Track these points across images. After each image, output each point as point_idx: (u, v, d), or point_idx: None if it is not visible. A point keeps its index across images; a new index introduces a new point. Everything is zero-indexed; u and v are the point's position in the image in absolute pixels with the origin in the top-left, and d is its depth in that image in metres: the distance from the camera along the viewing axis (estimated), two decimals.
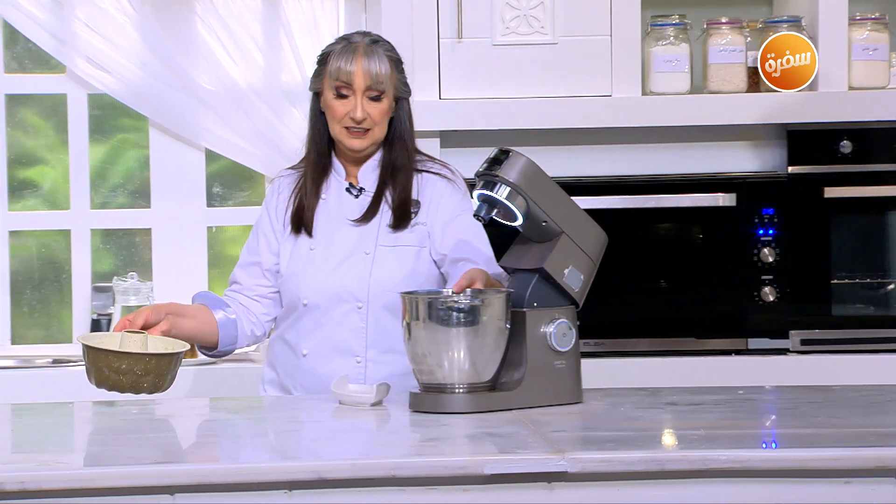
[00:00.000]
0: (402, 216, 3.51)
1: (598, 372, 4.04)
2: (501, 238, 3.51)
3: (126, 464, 2.74)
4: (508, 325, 3.18)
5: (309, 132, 3.57)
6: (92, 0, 4.55)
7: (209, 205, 4.80)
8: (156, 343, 3.27)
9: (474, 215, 3.29)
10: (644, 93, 4.52)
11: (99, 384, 3.21)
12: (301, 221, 3.53)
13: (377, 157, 3.56)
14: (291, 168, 3.64)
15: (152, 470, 2.65)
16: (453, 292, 3.17)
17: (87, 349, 3.21)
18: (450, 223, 3.53)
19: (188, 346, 3.33)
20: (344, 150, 3.53)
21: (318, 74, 3.53)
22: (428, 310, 3.14)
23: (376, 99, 3.48)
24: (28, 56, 4.69)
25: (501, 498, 2.68)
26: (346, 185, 3.56)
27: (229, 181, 4.83)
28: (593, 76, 4.46)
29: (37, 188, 4.76)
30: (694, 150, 4.61)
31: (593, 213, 3.36)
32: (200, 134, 4.68)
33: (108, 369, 3.18)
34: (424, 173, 3.57)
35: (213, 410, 3.31)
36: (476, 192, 3.28)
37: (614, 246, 3.46)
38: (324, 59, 3.52)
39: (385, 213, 3.53)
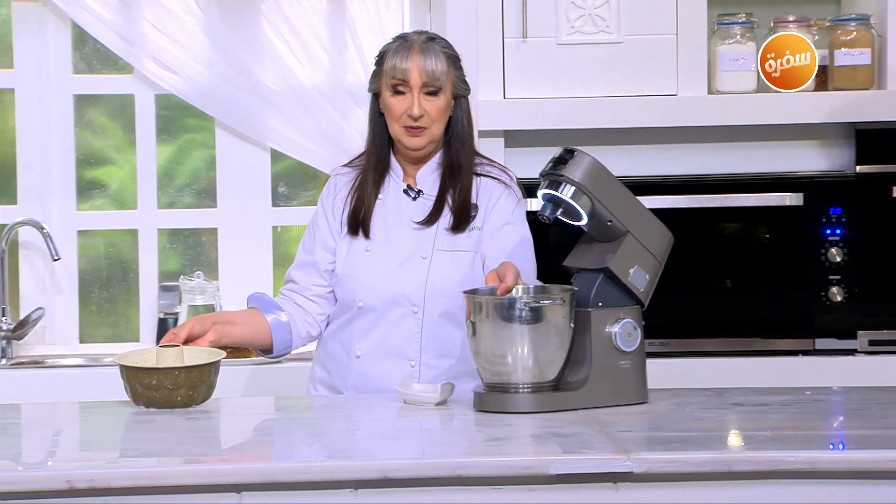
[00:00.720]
0: (462, 219, 3.50)
1: (664, 372, 4.02)
2: (566, 237, 3.50)
3: (194, 462, 2.76)
4: (573, 325, 3.18)
5: (369, 133, 3.57)
6: (159, 1, 4.58)
7: (274, 204, 4.82)
8: (193, 355, 3.28)
9: (539, 215, 3.28)
10: (710, 92, 4.49)
11: (136, 401, 3.23)
12: (358, 222, 3.53)
13: (436, 158, 3.55)
14: (347, 165, 3.63)
15: (220, 468, 2.67)
16: (487, 281, 3.16)
17: (121, 368, 3.23)
18: (498, 231, 3.52)
19: (223, 355, 3.32)
20: (403, 149, 3.52)
21: (376, 75, 3.53)
22: (493, 308, 3.14)
23: (433, 94, 3.46)
24: (96, 57, 4.73)
25: (567, 498, 2.68)
26: (404, 186, 3.55)
27: (294, 181, 4.85)
28: (659, 75, 4.44)
29: (105, 188, 4.79)
30: (760, 150, 4.58)
31: (659, 213, 3.34)
32: (266, 134, 4.70)
33: (140, 386, 3.20)
34: (483, 177, 3.55)
35: (277, 409, 3.32)
36: (541, 192, 3.27)
37: (680, 245, 3.45)
38: (381, 59, 3.52)
39: (445, 216, 3.52)
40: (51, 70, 4.68)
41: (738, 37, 4.49)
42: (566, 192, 3.23)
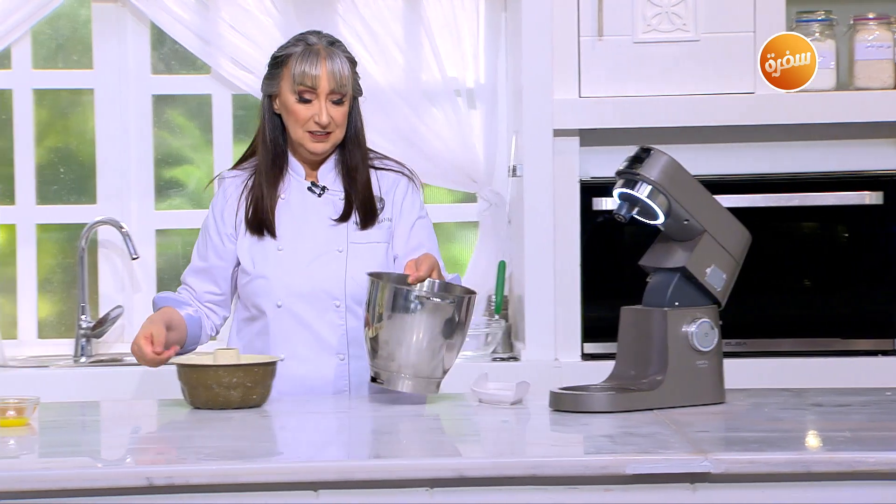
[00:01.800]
0: (370, 214, 3.52)
1: (741, 372, 4.00)
2: (641, 237, 3.49)
3: (271, 460, 2.77)
4: (465, 329, 3.25)
5: (261, 134, 3.54)
6: (236, 1, 4.61)
7: None
8: (248, 359, 3.31)
9: (614, 214, 3.27)
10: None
11: (194, 402, 3.26)
12: (261, 222, 3.50)
13: (334, 155, 3.56)
14: (234, 168, 3.60)
15: (297, 466, 2.68)
16: (406, 268, 3.26)
17: (178, 368, 3.26)
18: (411, 227, 3.56)
19: (281, 357, 3.35)
20: (304, 152, 3.52)
21: (274, 77, 3.50)
22: (389, 293, 3.21)
23: (339, 102, 3.48)
24: (174, 57, 4.76)
25: (643, 498, 2.66)
26: (308, 184, 3.54)
27: None
28: (736, 73, 4.41)
29: (182, 187, 4.83)
30: (839, 148, 4.53)
31: (736, 212, 3.32)
32: None
33: (200, 386, 3.22)
34: (382, 171, 3.58)
35: (348, 408, 3.33)
36: (616, 191, 3.26)
37: (758, 245, 3.43)
38: (282, 62, 3.49)
39: (353, 213, 3.53)
40: (130, 70, 4.72)
41: (816, 34, 4.45)
42: (642, 191, 3.21)
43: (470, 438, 3.05)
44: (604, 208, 4.40)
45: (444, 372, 3.26)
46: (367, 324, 3.26)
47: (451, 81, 4.68)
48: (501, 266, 4.64)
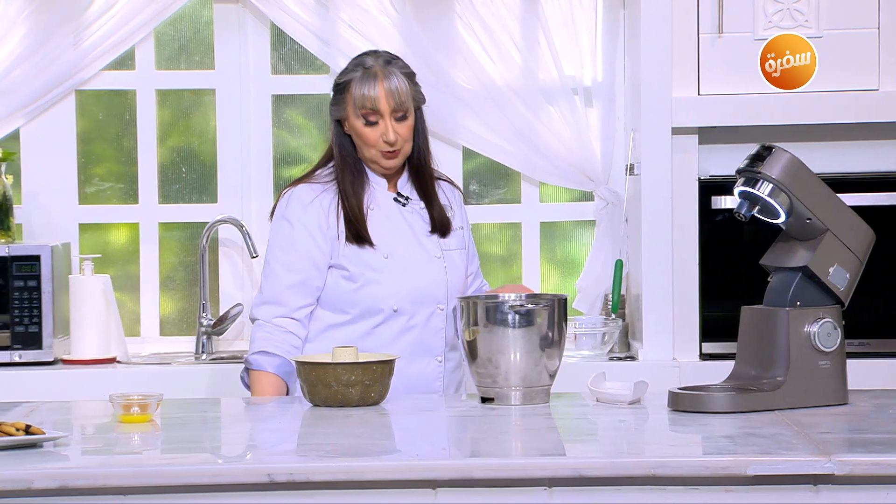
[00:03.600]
0: (447, 223, 3.68)
1: (864, 373, 3.94)
2: (761, 235, 3.45)
3: (390, 458, 2.79)
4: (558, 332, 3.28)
5: (336, 155, 3.64)
6: (355, 2, 4.63)
7: (465, 202, 4.82)
8: (366, 357, 3.34)
9: (735, 212, 3.25)
10: None
11: (313, 399, 3.27)
12: (359, 233, 3.59)
13: (407, 166, 3.68)
14: (305, 182, 3.65)
15: (416, 464, 2.69)
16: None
17: (298, 365, 3.28)
18: (469, 235, 3.77)
19: (398, 356, 3.39)
20: (378, 169, 3.64)
21: (340, 103, 3.62)
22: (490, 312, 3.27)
23: (402, 119, 3.58)
24: (294, 57, 4.81)
25: (765, 499, 2.64)
26: (393, 195, 3.66)
27: (486, 179, 4.86)
28: (859, 70, 4.35)
29: None
30: None
31: (860, 210, 3.28)
32: (458, 132, 4.72)
33: (319, 384, 3.24)
34: (440, 181, 3.74)
35: (464, 406, 3.34)
36: (737, 189, 3.24)
37: (882, 243, 3.38)
38: (344, 88, 3.60)
39: (430, 220, 3.67)
40: (250, 70, 4.77)
41: None
42: (763, 190, 3.19)
43: (588, 438, 3.04)
44: (723, 207, 4.37)
45: (551, 377, 3.26)
46: (464, 345, 3.28)
47: (568, 80, 4.67)
48: (618, 265, 4.61)
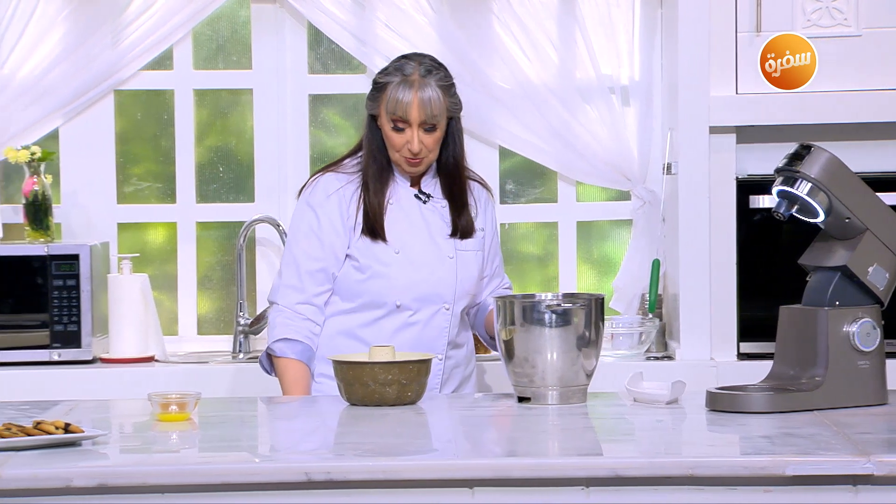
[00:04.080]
0: (470, 226, 3.68)
1: None
2: (800, 235, 3.44)
3: (427, 457, 2.79)
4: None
5: (365, 147, 3.67)
6: (392, 1, 4.64)
7: (502, 201, 4.84)
8: (403, 356, 3.34)
9: (773, 212, 3.24)
10: None
11: (350, 398, 3.28)
12: (375, 226, 3.62)
13: (434, 165, 3.69)
14: (332, 171, 3.69)
15: (453, 464, 2.69)
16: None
17: (334, 364, 3.28)
18: (494, 237, 3.77)
19: (436, 356, 3.39)
20: (401, 171, 3.67)
21: (375, 100, 3.65)
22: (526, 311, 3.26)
23: (430, 130, 3.60)
24: (331, 57, 4.81)
25: (803, 499, 2.63)
26: (415, 192, 3.68)
27: (522, 178, 4.86)
28: None
29: None
30: None
31: None
32: (494, 131, 4.72)
33: (356, 383, 3.24)
34: (470, 181, 3.74)
35: (501, 406, 3.33)
36: (776, 189, 3.23)
37: None
38: (381, 88, 3.63)
39: (451, 221, 3.68)
40: (287, 70, 4.78)
41: None
42: (802, 189, 3.17)
43: (625, 438, 3.04)
44: (761, 206, 4.35)
45: (588, 377, 3.26)
46: (501, 344, 3.27)
47: (605, 79, 4.66)
48: (655, 264, 4.60)
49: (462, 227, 3.68)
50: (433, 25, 4.64)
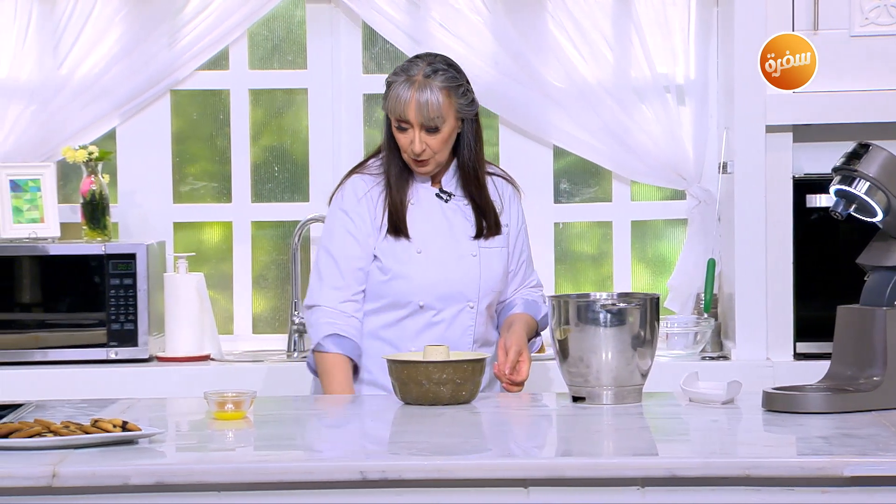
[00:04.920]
0: (495, 225, 3.68)
1: None
2: (857, 234, 3.41)
3: (482, 457, 2.78)
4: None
5: (385, 148, 3.69)
6: (447, 1, 4.64)
7: (556, 201, 4.83)
8: (457, 356, 3.34)
9: (831, 211, 3.22)
10: None
11: (404, 398, 3.28)
12: (398, 225, 3.63)
13: (454, 163, 3.70)
14: (359, 172, 3.72)
15: (509, 463, 2.69)
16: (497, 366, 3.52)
17: (389, 363, 3.29)
18: (517, 234, 3.74)
19: (489, 355, 3.38)
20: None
21: (385, 99, 3.66)
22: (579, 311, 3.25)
23: (433, 131, 3.59)
24: (385, 56, 4.82)
25: (861, 500, 2.62)
26: (436, 191, 3.68)
27: (577, 177, 4.85)
28: None
29: None
30: None
31: None
32: (549, 131, 4.72)
33: (410, 382, 3.25)
34: (494, 176, 3.74)
35: (552, 406, 3.33)
36: (833, 188, 3.21)
37: None
38: (388, 87, 3.66)
39: (475, 220, 3.68)
40: (342, 70, 4.79)
41: None
42: (860, 188, 3.15)
43: (680, 438, 3.02)
44: (818, 205, 4.32)
45: (643, 376, 3.25)
46: (556, 344, 3.27)
47: (660, 78, 4.64)
48: (711, 264, 4.58)
49: (486, 225, 3.67)
50: (488, 25, 4.63)
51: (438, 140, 3.61)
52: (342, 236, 3.67)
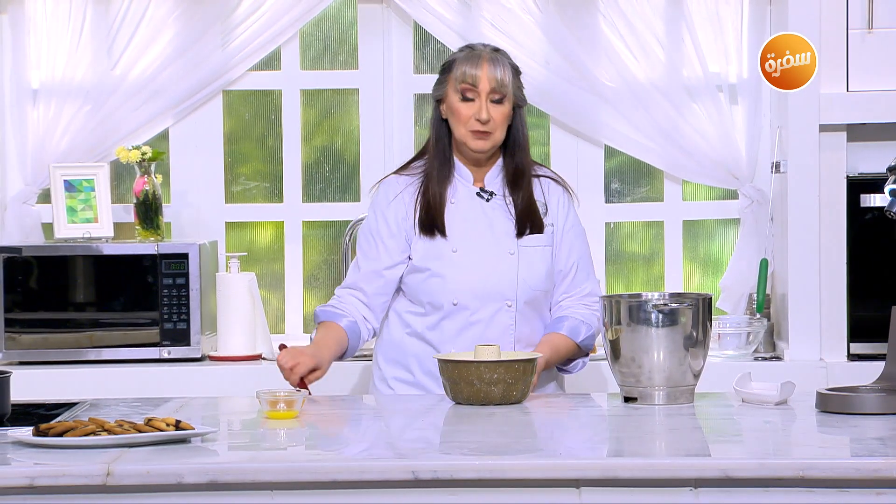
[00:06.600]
0: (537, 221, 3.65)
1: None
2: None
3: (534, 457, 2.78)
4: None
5: (432, 140, 3.69)
6: (498, 0, 4.64)
7: (607, 201, 4.82)
8: (508, 356, 3.34)
9: (886, 210, 3.19)
10: None
11: (455, 397, 3.28)
12: (434, 223, 3.62)
13: (499, 163, 3.69)
14: (402, 173, 3.72)
15: (560, 463, 2.69)
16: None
17: (440, 363, 3.29)
18: (566, 233, 3.69)
19: (541, 355, 3.39)
20: (468, 151, 3.64)
21: (442, 82, 3.67)
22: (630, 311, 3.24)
23: (499, 102, 3.59)
24: (436, 56, 4.82)
25: None
26: (477, 189, 3.67)
27: (628, 177, 4.84)
28: None
29: None
30: None
31: None
32: (600, 130, 4.70)
33: (461, 381, 3.25)
34: (542, 177, 3.72)
35: (604, 406, 3.32)
36: (888, 187, 3.20)
37: None
38: (448, 67, 3.66)
39: (516, 218, 3.65)
40: (393, 70, 4.80)
41: None
42: None
43: (733, 438, 3.01)
44: (873, 205, 4.29)
45: (696, 377, 3.24)
46: (608, 344, 3.26)
47: (712, 77, 4.62)
48: (763, 264, 4.56)
49: (528, 223, 3.65)
50: (539, 24, 4.63)
51: (501, 113, 3.61)
52: (366, 237, 3.71)
